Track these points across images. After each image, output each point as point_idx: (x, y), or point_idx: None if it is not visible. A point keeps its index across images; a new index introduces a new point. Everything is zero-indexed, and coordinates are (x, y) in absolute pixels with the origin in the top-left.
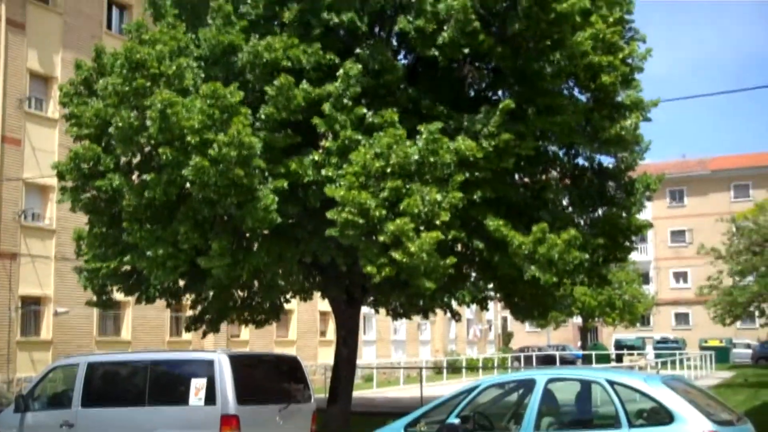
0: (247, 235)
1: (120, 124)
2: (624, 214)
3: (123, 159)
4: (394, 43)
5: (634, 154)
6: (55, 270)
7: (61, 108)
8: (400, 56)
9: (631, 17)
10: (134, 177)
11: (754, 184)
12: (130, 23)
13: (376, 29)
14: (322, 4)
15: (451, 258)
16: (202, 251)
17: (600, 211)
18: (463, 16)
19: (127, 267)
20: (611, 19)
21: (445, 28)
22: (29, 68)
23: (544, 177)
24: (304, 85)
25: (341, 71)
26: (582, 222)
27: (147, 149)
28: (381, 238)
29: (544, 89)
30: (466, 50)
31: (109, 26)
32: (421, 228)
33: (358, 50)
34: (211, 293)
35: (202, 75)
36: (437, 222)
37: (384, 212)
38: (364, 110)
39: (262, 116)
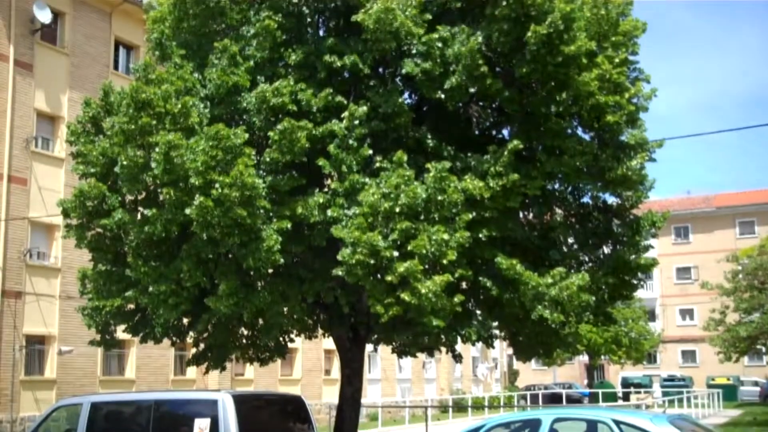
0: (251, 273)
1: (125, 163)
2: (631, 255)
3: (129, 197)
4: (399, 83)
5: (639, 193)
6: (60, 309)
7: (67, 146)
8: (405, 96)
9: (636, 58)
10: (139, 216)
11: (759, 221)
12: (138, 64)
13: (381, 70)
14: (324, 46)
15: (459, 296)
16: (206, 289)
17: (606, 250)
18: (472, 61)
19: (131, 305)
20: (617, 60)
21: (452, 70)
22: (36, 108)
23: (549, 216)
24: (307, 124)
25: (347, 113)
26: (588, 260)
27: (152, 187)
28: (389, 279)
29: (549, 129)
30: (472, 90)
31: (116, 66)
32: (427, 266)
33: (368, 94)
34: (214, 328)
35: (208, 115)
36: (444, 261)
37: (394, 252)
38: (370, 151)
39: (267, 159)
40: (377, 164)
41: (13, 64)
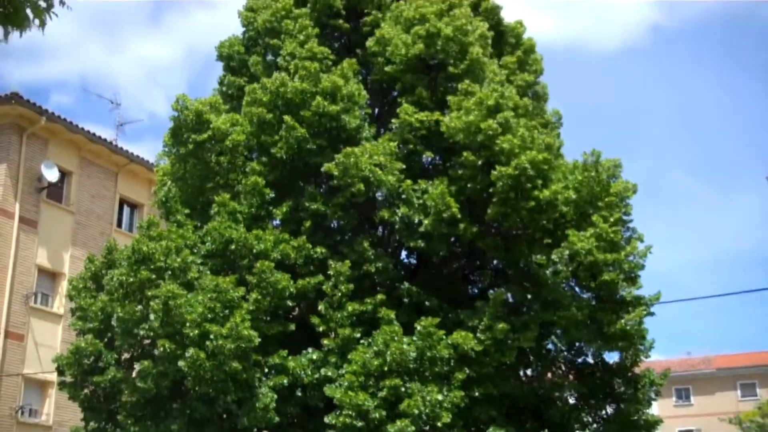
0: None
1: (122, 315)
2: (635, 414)
3: (124, 356)
4: (386, 237)
5: (639, 351)
6: None
7: (67, 302)
8: (403, 256)
9: (629, 218)
10: (134, 374)
11: (760, 383)
12: (143, 221)
13: (371, 224)
14: (308, 196)
15: None
16: None
17: (608, 409)
18: (442, 203)
19: None
20: (612, 219)
21: (427, 214)
22: (38, 264)
23: (549, 374)
24: (288, 277)
25: (331, 270)
26: (591, 420)
27: (147, 341)
28: None
29: (545, 285)
30: (453, 241)
31: (119, 224)
32: (423, 427)
33: (346, 250)
34: None
35: (208, 272)
36: (439, 424)
37: (384, 413)
38: (357, 306)
39: (252, 306)
40: (367, 310)
41: (18, 220)
